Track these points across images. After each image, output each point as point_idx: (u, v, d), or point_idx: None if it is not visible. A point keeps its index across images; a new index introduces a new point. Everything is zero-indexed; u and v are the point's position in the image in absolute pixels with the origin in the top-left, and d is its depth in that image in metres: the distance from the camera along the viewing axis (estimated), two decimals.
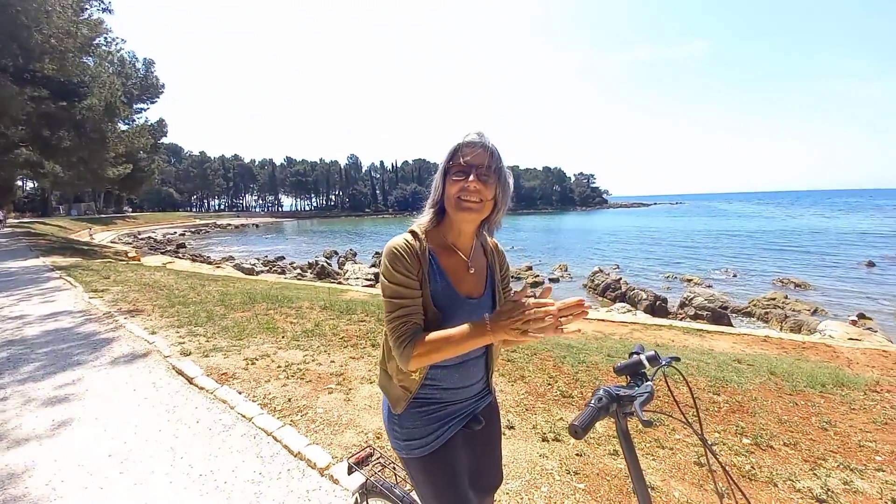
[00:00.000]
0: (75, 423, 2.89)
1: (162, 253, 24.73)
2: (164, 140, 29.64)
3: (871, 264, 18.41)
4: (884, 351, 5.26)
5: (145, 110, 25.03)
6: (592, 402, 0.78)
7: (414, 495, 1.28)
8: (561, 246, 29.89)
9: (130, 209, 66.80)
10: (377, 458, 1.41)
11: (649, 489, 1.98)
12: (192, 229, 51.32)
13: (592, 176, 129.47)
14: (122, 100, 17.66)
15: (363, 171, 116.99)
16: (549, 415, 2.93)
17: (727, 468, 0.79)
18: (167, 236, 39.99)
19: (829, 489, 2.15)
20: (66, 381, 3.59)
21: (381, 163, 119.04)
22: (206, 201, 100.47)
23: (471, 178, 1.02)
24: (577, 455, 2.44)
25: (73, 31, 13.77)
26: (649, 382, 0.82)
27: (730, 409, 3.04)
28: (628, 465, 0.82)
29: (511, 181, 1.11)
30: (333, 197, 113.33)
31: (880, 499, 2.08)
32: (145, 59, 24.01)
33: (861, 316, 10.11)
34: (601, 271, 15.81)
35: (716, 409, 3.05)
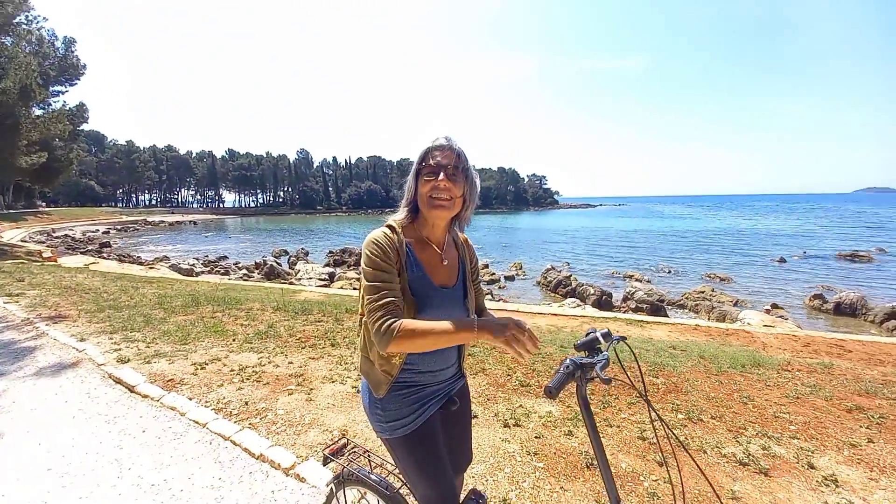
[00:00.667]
0: (6, 437, 2.62)
1: (82, 253, 22.27)
2: (85, 127, 26.63)
3: (782, 260, 20.84)
4: (793, 335, 6.01)
5: (63, 93, 22.43)
6: (562, 368, 0.91)
7: (390, 479, 1.33)
8: (516, 245, 30.78)
9: (44, 204, 59.43)
10: (352, 448, 1.44)
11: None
12: (118, 226, 46.69)
13: (544, 177, 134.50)
14: (38, 81, 15.70)
15: (314, 166, 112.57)
16: (510, 403, 3.08)
17: (667, 424, 0.93)
18: (87, 234, 36.04)
19: (750, 454, 2.46)
20: None
21: (334, 158, 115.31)
22: (134, 196, 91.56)
23: (440, 177, 1.11)
24: (535, 438, 2.60)
25: None
26: (605, 353, 0.98)
27: (667, 390, 3.36)
28: (586, 425, 0.97)
29: (478, 181, 1.21)
30: (282, 193, 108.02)
31: (797, 462, 2.40)
32: (66, 37, 21.54)
33: (774, 306, 11.44)
34: (553, 269, 16.53)
35: (655, 389, 3.36)
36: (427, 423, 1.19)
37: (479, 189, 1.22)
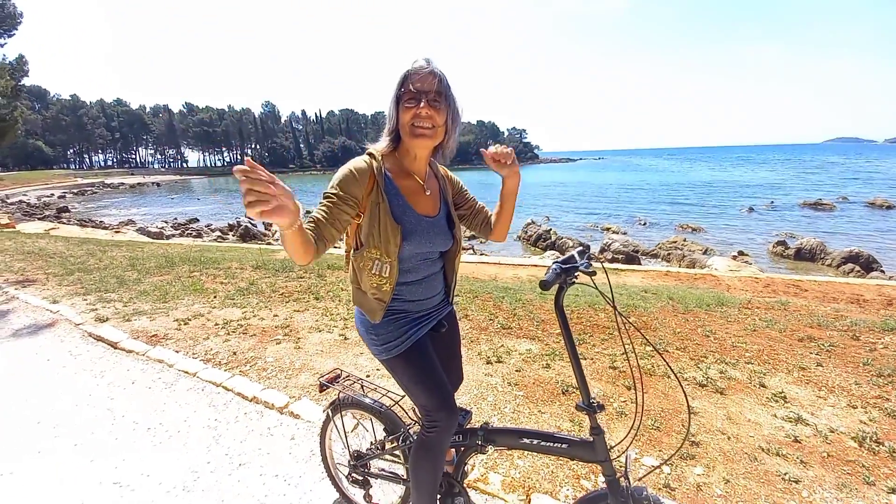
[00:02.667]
0: None
1: (40, 219, 21.05)
2: (26, 81, 24.05)
3: (751, 210, 21.71)
4: (755, 278, 6.41)
5: (2, 46, 20.03)
6: (551, 270, 1.02)
7: (384, 400, 1.43)
8: (496, 201, 30.79)
9: (3, 168, 54.90)
10: (346, 377, 1.52)
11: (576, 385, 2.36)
12: (74, 190, 43.82)
13: (524, 131, 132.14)
14: None
15: (282, 121, 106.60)
16: (492, 343, 3.24)
17: (630, 322, 1.06)
18: (43, 199, 33.84)
19: (708, 377, 2.71)
20: None
21: (303, 112, 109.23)
22: (86, 156, 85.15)
23: (422, 104, 1.08)
24: (516, 371, 2.78)
25: None
26: (586, 258, 1.09)
27: (637, 327, 3.59)
28: (561, 328, 1.08)
29: (461, 107, 1.17)
30: (249, 151, 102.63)
31: (750, 383, 2.66)
32: None
33: (741, 252, 12.04)
34: (533, 223, 16.73)
35: (627, 327, 3.59)
36: (418, 342, 1.26)
37: (462, 116, 1.18)
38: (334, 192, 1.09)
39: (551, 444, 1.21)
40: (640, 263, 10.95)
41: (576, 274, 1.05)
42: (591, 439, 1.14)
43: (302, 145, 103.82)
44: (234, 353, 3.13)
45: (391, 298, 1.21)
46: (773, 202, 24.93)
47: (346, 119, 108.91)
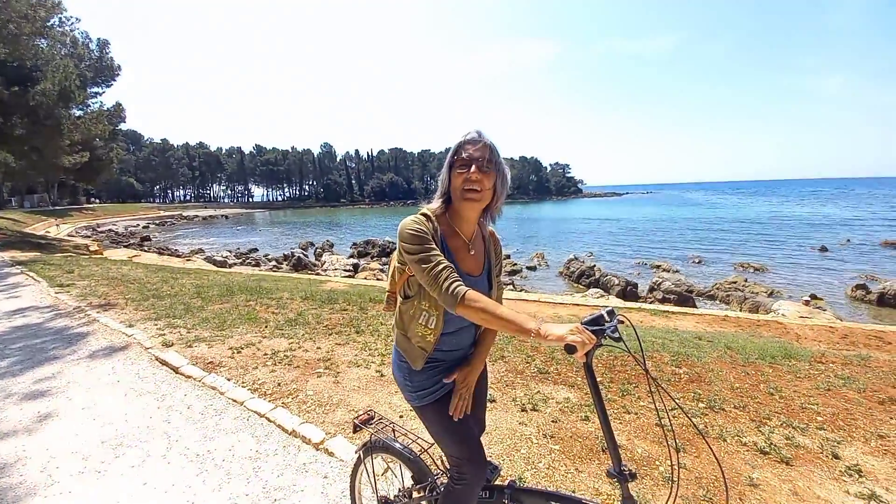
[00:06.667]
0: (62, 414, 2.89)
1: (125, 246, 23.73)
2: (122, 126, 27.87)
3: (824, 249, 19.74)
4: (830, 327, 5.77)
5: (100, 94, 23.45)
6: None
7: (413, 447, 1.46)
8: (537, 235, 30.47)
9: (98, 200, 63.44)
10: (378, 419, 1.58)
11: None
12: (157, 221, 49.14)
13: (568, 166, 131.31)
14: (77, 83, 16.60)
15: (338, 160, 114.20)
16: (528, 389, 3.15)
17: (667, 391, 1.00)
18: (129, 229, 38.19)
19: (772, 443, 2.44)
20: (45, 375, 3.54)
21: (357, 151, 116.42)
22: (170, 192, 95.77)
23: (472, 169, 1.20)
24: (552, 422, 2.67)
25: (31, 15, 12.90)
26: (615, 321, 1.06)
27: (689, 380, 3.34)
28: (591, 392, 1.06)
29: (509, 173, 1.29)
30: (307, 187, 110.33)
31: (821, 452, 2.37)
32: (99, 39, 22.48)
33: (813, 296, 10.91)
34: (576, 259, 16.31)
35: (676, 379, 3.35)
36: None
37: (509, 181, 1.29)
38: (429, 250, 1.17)
39: None
40: (694, 305, 10.23)
41: (604, 335, 1.04)
42: None
43: (353, 182, 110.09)
44: (279, 385, 3.28)
45: (433, 349, 1.29)
46: (849, 240, 22.57)
47: (394, 157, 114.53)
